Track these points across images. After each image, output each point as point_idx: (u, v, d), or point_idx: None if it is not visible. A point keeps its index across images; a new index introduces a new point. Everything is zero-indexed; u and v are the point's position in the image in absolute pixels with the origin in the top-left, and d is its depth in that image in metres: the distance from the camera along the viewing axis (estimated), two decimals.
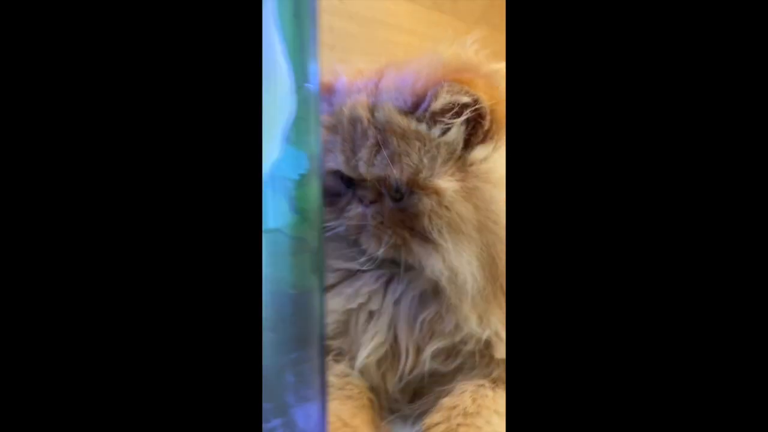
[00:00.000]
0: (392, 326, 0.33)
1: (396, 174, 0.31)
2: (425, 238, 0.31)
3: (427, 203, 0.31)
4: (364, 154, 0.32)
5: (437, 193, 0.31)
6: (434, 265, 0.31)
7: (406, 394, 0.35)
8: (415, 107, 0.32)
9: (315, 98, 0.21)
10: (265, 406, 0.21)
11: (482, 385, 0.31)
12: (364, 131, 0.32)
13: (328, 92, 0.35)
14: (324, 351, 0.22)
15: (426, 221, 0.31)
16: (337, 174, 0.34)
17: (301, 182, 0.21)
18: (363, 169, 0.32)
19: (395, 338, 0.33)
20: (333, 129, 0.33)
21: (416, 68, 0.32)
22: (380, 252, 0.32)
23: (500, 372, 0.32)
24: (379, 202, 0.32)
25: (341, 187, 0.34)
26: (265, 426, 0.20)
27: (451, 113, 0.30)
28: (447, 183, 0.30)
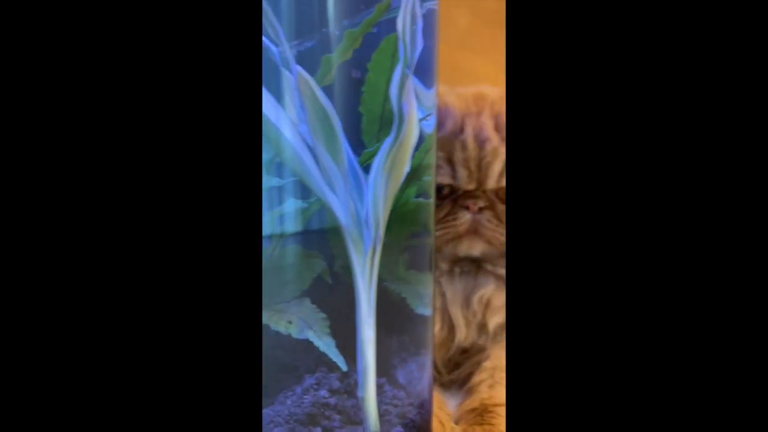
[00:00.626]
0: (445, 310, 0.41)
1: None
2: None
3: None
4: (496, 167, 0.39)
5: None
6: None
7: (448, 367, 0.42)
8: None
9: (433, 129, 0.27)
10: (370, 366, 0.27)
11: None
12: (494, 150, 0.40)
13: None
14: (424, 324, 0.29)
15: None
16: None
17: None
18: (493, 180, 0.40)
19: (449, 320, 0.41)
20: (450, 148, 0.40)
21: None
22: (496, 251, 0.40)
23: None
24: (491, 208, 0.40)
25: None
26: (378, 380, 0.27)
27: None
28: None
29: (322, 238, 0.26)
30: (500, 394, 0.34)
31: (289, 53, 0.24)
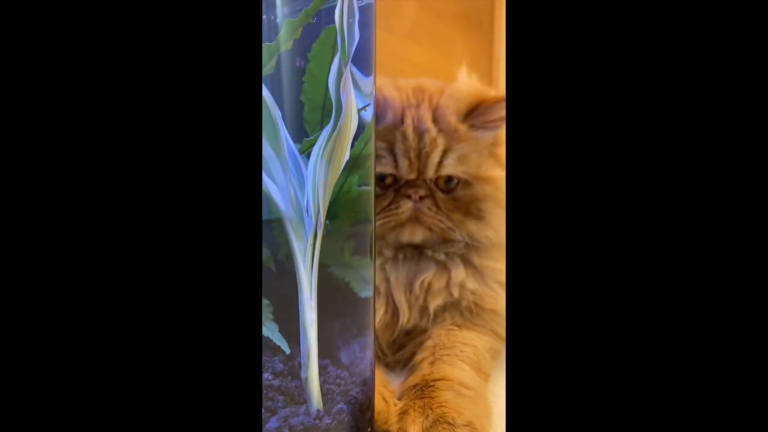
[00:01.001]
0: (389, 295, 0.42)
1: (461, 170, 0.41)
2: (479, 217, 0.42)
3: (482, 190, 0.42)
4: (434, 158, 0.41)
5: (490, 181, 0.42)
6: (488, 235, 0.42)
7: (392, 348, 0.44)
8: (465, 118, 0.42)
9: (372, 119, 0.28)
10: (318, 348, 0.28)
11: (451, 329, 0.42)
12: (432, 140, 0.41)
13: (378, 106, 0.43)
14: (365, 307, 0.30)
15: (481, 203, 0.42)
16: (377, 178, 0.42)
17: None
18: (432, 170, 0.41)
19: (393, 303, 0.42)
20: (392, 138, 0.41)
21: (455, 90, 0.43)
22: (436, 237, 0.42)
23: (464, 319, 0.43)
24: (431, 197, 0.42)
25: (377, 190, 0.42)
26: (320, 362, 0.28)
27: (495, 121, 0.42)
28: (496, 172, 0.42)
29: (267, 228, 0.26)
30: (440, 370, 0.37)
31: None
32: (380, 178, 0.42)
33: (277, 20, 0.26)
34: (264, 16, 0.26)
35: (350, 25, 0.27)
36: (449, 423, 0.31)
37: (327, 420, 0.28)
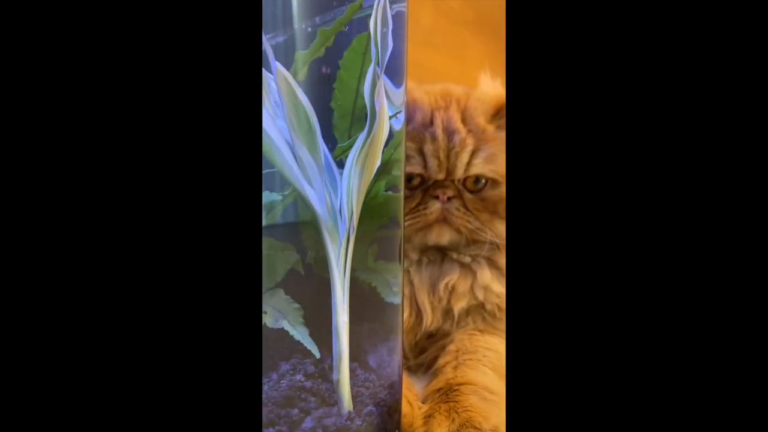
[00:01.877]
0: (413, 297, 0.43)
1: (489, 168, 0.42)
2: (505, 217, 0.42)
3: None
4: (464, 157, 0.41)
5: None
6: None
7: (414, 351, 0.44)
8: (492, 119, 0.43)
9: (402, 125, 0.29)
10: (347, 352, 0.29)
11: (474, 334, 0.42)
12: (462, 140, 0.41)
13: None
14: (393, 311, 0.30)
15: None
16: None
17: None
18: (461, 170, 0.42)
19: (417, 306, 0.43)
20: (421, 139, 0.42)
21: (482, 93, 0.44)
22: (464, 239, 0.43)
23: (486, 324, 0.43)
24: (458, 197, 0.42)
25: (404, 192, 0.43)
26: (350, 364, 0.28)
27: None
28: None
29: (295, 231, 0.27)
30: (464, 374, 0.37)
31: (268, 48, 0.25)
32: (408, 179, 0.43)
33: (309, 29, 0.27)
34: (296, 26, 0.26)
35: (384, 35, 0.27)
36: (476, 428, 0.31)
37: (358, 422, 0.28)
